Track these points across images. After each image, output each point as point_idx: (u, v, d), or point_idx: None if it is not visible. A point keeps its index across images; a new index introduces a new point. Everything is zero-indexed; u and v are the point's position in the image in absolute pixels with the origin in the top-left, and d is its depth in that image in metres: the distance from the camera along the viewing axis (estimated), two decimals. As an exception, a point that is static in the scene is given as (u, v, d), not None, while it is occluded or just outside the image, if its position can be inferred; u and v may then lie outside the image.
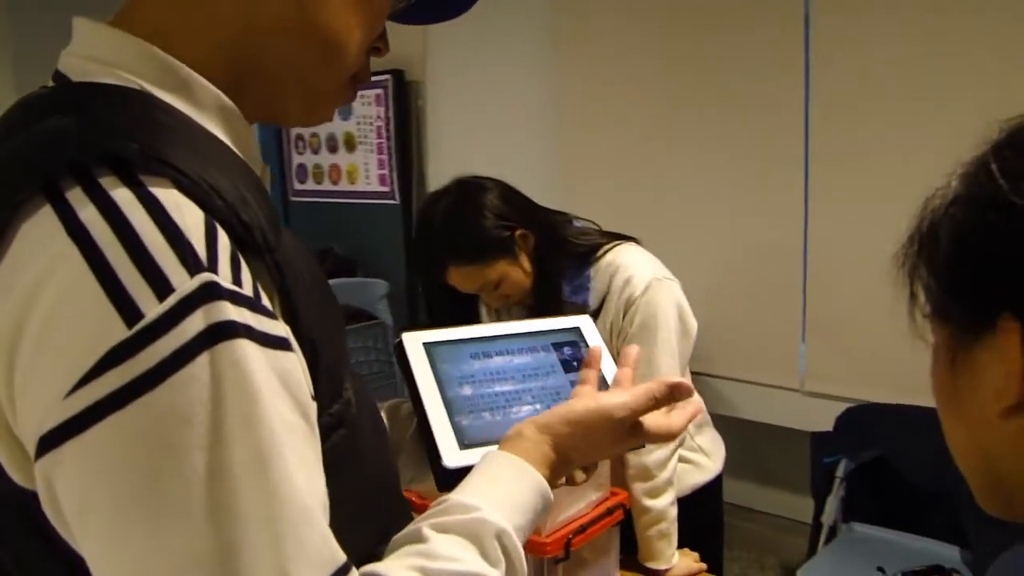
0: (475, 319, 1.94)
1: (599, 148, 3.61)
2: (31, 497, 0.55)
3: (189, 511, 0.50)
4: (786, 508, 3.49)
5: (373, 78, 4.59)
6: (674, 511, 1.75)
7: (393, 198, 4.38)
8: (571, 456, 0.80)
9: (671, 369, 1.76)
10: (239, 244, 0.56)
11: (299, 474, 0.55)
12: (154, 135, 0.57)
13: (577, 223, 1.89)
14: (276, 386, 0.55)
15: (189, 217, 0.54)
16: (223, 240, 0.55)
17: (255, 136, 0.72)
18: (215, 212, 0.55)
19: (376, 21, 0.73)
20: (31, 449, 0.53)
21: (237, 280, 0.55)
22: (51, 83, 0.65)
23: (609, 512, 1.62)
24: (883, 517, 2.70)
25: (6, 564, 0.62)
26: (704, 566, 1.78)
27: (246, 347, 0.53)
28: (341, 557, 0.57)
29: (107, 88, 0.61)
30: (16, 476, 0.56)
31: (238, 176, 0.61)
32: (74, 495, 0.52)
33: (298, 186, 4.79)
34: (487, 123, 4.02)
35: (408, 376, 0.93)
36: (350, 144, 4.53)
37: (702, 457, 1.93)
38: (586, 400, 0.83)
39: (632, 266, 1.78)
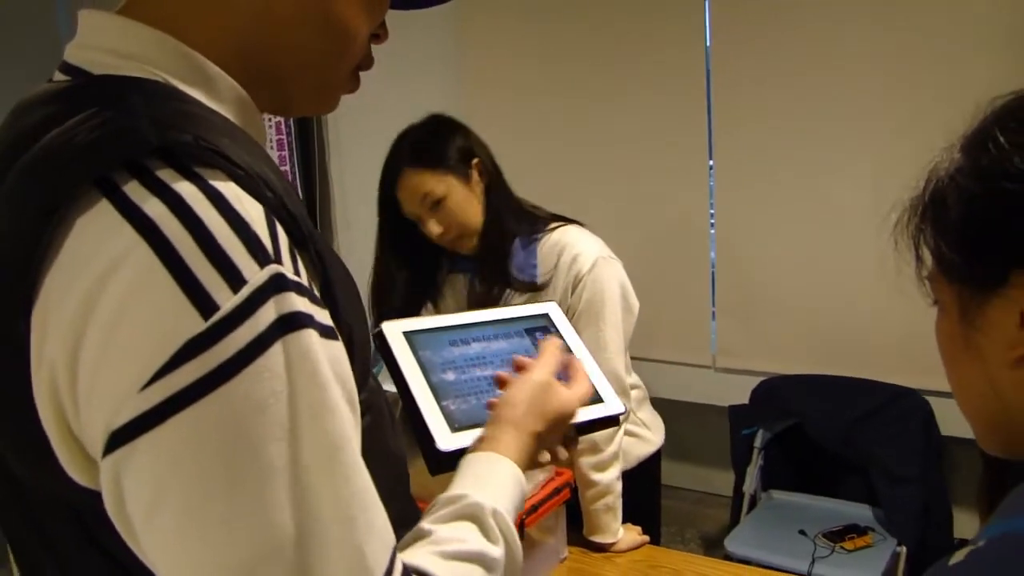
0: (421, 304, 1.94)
1: (505, 134, 3.61)
2: (92, 499, 0.54)
3: (267, 500, 0.51)
4: (702, 482, 3.59)
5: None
6: (619, 485, 1.79)
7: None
8: (529, 425, 0.84)
9: (616, 344, 1.82)
10: (289, 235, 0.56)
11: (359, 458, 0.57)
12: (199, 127, 0.56)
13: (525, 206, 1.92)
14: (332, 375, 0.55)
15: (252, 210, 0.54)
16: (281, 232, 0.55)
17: (265, 130, 0.71)
18: (268, 204, 0.55)
19: (381, 7, 0.73)
20: (98, 446, 0.51)
21: (296, 271, 0.55)
22: (58, 76, 0.63)
23: (557, 491, 1.65)
24: (800, 483, 2.82)
25: (49, 571, 0.60)
26: (647, 538, 1.82)
27: (312, 336, 0.54)
28: (394, 537, 0.58)
29: (137, 81, 0.59)
30: (77, 476, 0.55)
31: (271, 167, 0.60)
32: (146, 489, 0.51)
33: (194, 187, 4.65)
34: (392, 120, 3.97)
35: (392, 364, 0.93)
36: (247, 142, 4.42)
37: (644, 430, 1.99)
38: (514, 380, 0.90)
39: (579, 244, 1.82)
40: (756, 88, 2.97)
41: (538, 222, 1.87)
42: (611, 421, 1.02)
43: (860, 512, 2.64)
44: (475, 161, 1.81)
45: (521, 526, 1.53)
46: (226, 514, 0.50)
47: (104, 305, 0.50)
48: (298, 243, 0.57)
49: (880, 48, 2.72)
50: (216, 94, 0.63)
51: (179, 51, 0.62)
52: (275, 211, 0.55)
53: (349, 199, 4.31)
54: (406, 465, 0.79)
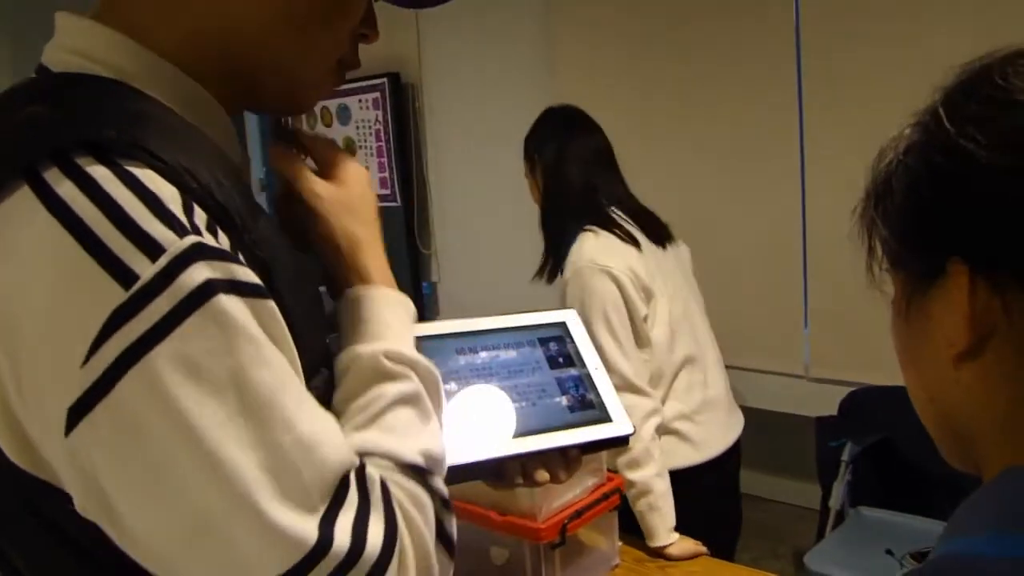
0: None
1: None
2: (38, 485, 0.57)
3: (229, 446, 0.53)
4: (798, 496, 3.47)
5: (369, 81, 4.58)
6: (661, 484, 1.77)
7: (395, 200, 4.39)
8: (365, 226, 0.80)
9: (610, 345, 1.85)
10: (216, 221, 0.58)
11: (306, 399, 0.60)
12: (130, 123, 0.58)
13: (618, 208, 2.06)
14: (262, 334, 0.57)
15: (167, 190, 0.55)
16: (199, 212, 0.57)
17: (231, 124, 0.72)
18: (190, 192, 0.57)
19: (355, 6, 0.73)
20: (54, 429, 0.53)
21: (217, 242, 0.57)
22: (34, 75, 0.67)
23: (605, 497, 1.62)
24: (890, 500, 2.68)
25: (14, 561, 0.63)
26: (704, 549, 1.77)
27: (237, 300, 0.56)
28: (350, 458, 0.61)
29: (84, 78, 0.63)
30: (21, 462, 0.57)
31: (213, 160, 0.62)
32: (113, 456, 0.53)
33: (301, 193, 4.81)
34: (485, 121, 4.03)
35: None
36: (350, 149, 4.54)
37: (683, 444, 1.95)
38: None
39: (575, 251, 1.96)
40: (848, 91, 2.86)
41: (589, 223, 1.99)
42: (618, 441, 0.98)
43: (955, 533, 2.49)
44: (535, 156, 2.07)
45: (563, 530, 1.51)
46: (192, 466, 0.53)
47: (34, 291, 0.53)
48: (228, 229, 0.59)
49: (982, 44, 2.58)
50: (172, 93, 0.65)
51: (133, 50, 0.64)
52: (198, 199, 0.57)
53: (446, 202, 4.37)
54: None
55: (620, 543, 1.74)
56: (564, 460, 0.91)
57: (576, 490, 1.59)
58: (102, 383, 0.52)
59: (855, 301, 3.10)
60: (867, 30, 2.81)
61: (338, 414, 0.66)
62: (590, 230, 1.97)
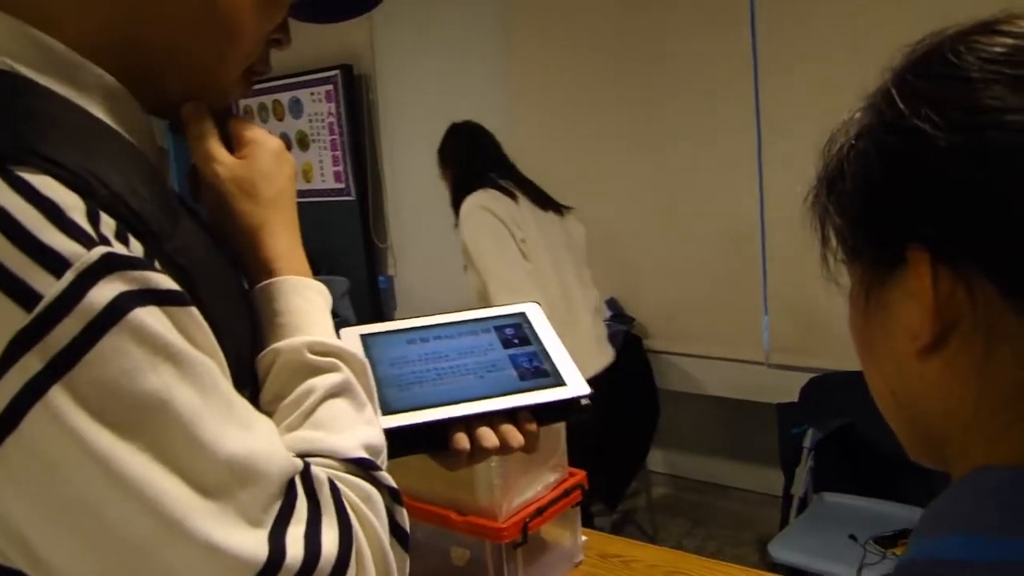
0: None
1: (553, 135, 3.59)
2: None
3: (153, 474, 0.49)
4: (761, 483, 3.48)
5: (322, 74, 4.51)
6: None
7: (349, 194, 4.33)
8: (274, 203, 0.72)
9: (498, 264, 2.48)
10: (129, 229, 0.53)
11: (235, 412, 0.56)
12: (30, 125, 0.53)
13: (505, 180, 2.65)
14: (186, 344, 0.53)
15: (68, 199, 0.50)
16: (106, 220, 0.52)
17: (149, 119, 0.67)
18: (96, 199, 0.52)
19: (275, 9, 0.69)
20: None
21: (129, 251, 0.52)
22: None
23: (567, 493, 1.59)
24: (854, 485, 2.69)
25: None
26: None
27: (155, 311, 0.51)
28: (288, 465, 0.58)
29: None
30: None
31: (127, 164, 0.58)
32: (27, 496, 0.49)
33: (253, 188, 4.73)
34: (440, 112, 3.97)
35: None
36: (303, 143, 4.47)
37: None
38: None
39: (463, 206, 2.58)
40: (804, 74, 2.88)
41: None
42: (573, 406, 0.94)
43: (917, 516, 2.49)
44: (442, 159, 2.84)
45: (524, 528, 1.48)
46: (111, 510, 0.49)
47: None
48: (144, 238, 0.54)
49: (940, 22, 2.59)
50: (77, 85, 0.60)
51: (33, 39, 0.59)
52: (105, 206, 0.52)
53: (401, 194, 4.33)
54: None
55: (584, 539, 1.71)
56: (515, 425, 0.87)
57: (537, 487, 1.56)
58: (7, 418, 0.47)
59: (815, 287, 3.12)
60: (823, 9, 2.81)
61: (267, 416, 0.62)
62: (478, 188, 2.56)
